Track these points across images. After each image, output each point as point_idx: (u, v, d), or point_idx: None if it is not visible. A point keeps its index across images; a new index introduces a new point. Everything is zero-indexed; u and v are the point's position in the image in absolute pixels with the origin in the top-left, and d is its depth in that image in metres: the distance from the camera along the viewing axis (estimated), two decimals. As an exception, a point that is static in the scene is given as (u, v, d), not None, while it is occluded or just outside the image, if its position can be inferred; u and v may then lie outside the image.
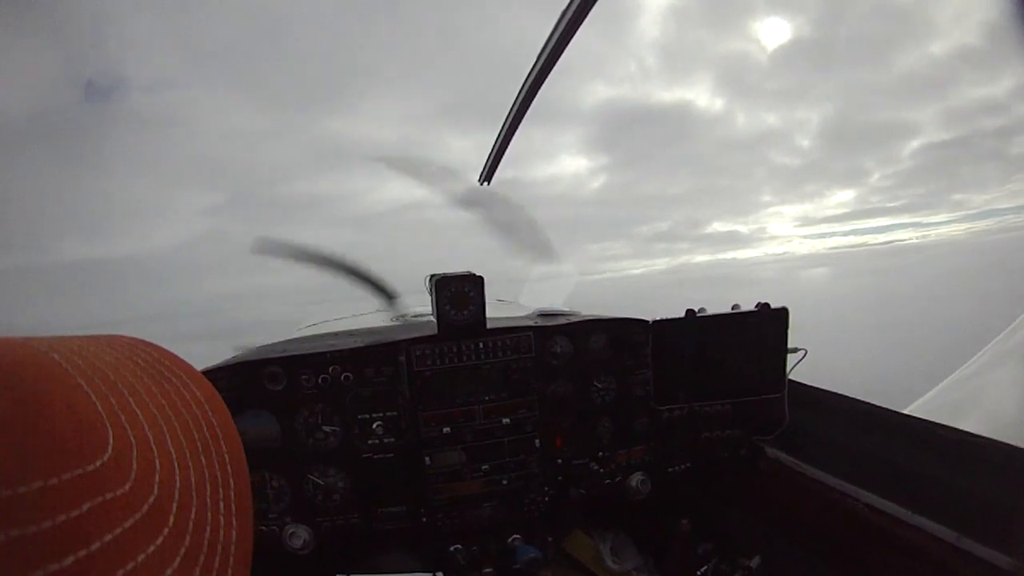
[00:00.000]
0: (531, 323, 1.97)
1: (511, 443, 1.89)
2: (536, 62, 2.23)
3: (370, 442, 1.79)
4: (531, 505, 1.93)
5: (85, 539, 0.28)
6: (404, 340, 1.82)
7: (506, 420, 1.88)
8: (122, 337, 0.43)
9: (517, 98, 2.38)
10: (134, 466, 0.32)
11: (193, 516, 0.35)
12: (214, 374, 1.70)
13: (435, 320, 1.86)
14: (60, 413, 0.30)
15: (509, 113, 2.45)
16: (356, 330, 2.18)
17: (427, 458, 1.83)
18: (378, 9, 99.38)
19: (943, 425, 1.56)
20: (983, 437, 1.43)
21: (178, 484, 0.35)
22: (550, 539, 2.01)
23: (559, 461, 1.95)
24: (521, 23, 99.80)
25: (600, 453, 1.98)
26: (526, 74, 2.32)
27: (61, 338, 0.37)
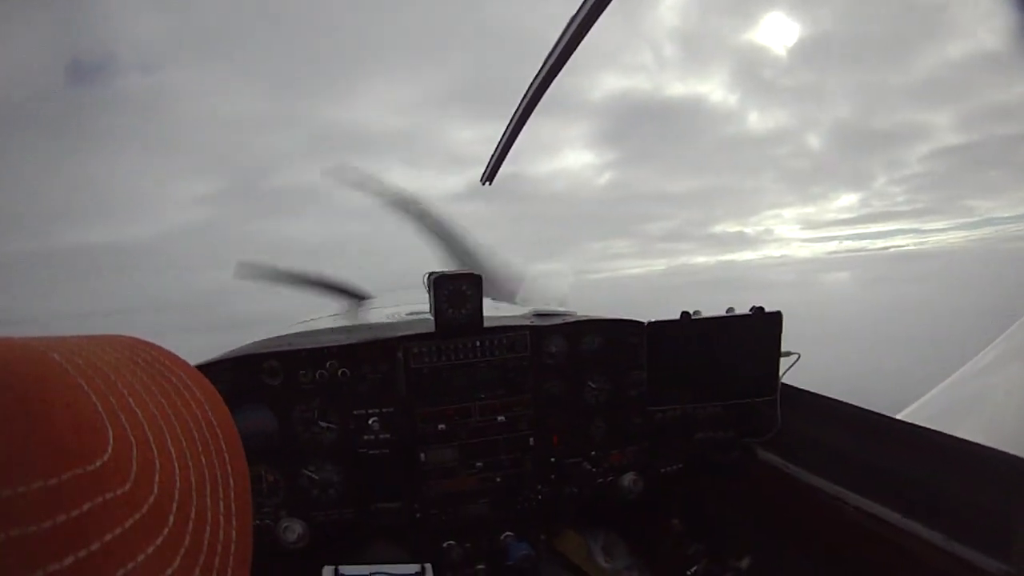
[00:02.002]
0: (527, 322, 1.97)
1: (505, 441, 1.90)
2: (550, 55, 2.10)
3: (366, 437, 1.80)
4: (524, 503, 1.94)
5: (85, 539, 0.28)
6: (401, 337, 1.82)
7: (501, 418, 1.89)
8: (122, 337, 0.43)
9: (527, 93, 2.29)
10: (134, 466, 0.32)
11: (193, 516, 0.35)
12: (212, 367, 1.70)
13: (432, 318, 1.86)
14: (60, 413, 0.30)
15: (517, 108, 2.37)
16: (354, 326, 2.20)
17: (422, 454, 1.84)
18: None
19: (933, 430, 1.58)
20: (973, 443, 1.45)
21: (178, 484, 0.35)
22: (543, 537, 2.02)
23: (552, 460, 1.96)
24: (538, 5, 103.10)
25: (593, 452, 1.99)
26: (538, 67, 2.24)
27: (61, 338, 0.37)
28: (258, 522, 1.72)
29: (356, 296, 3.05)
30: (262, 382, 1.74)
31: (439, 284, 1.83)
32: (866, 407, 1.78)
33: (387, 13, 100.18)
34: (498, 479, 1.90)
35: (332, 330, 2.15)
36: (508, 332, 1.90)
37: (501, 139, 2.59)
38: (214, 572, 0.35)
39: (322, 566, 1.65)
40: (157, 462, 0.34)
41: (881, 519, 1.52)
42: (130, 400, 0.35)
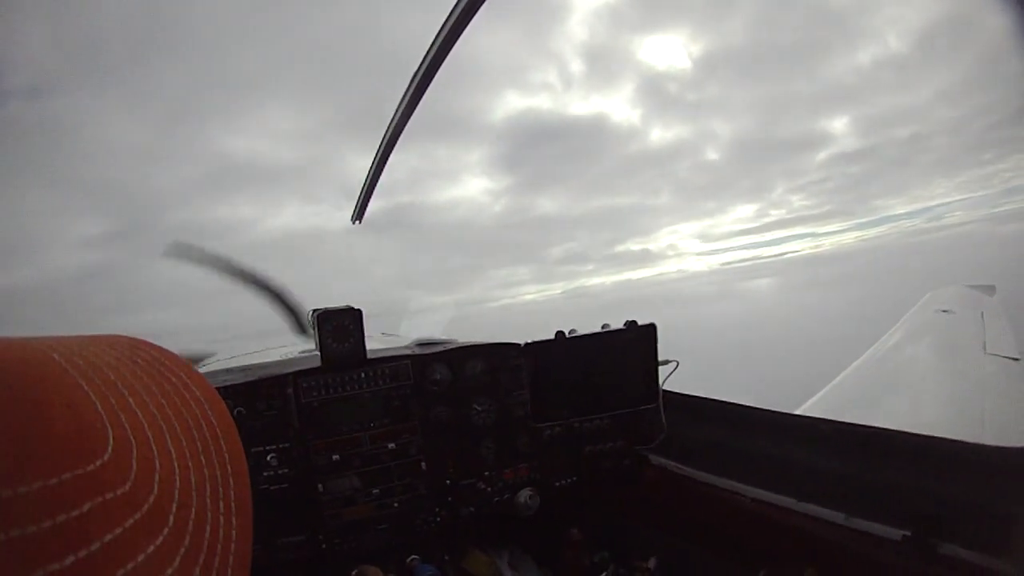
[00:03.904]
0: (409, 352, 2.06)
1: (398, 467, 1.95)
2: (408, 86, 2.11)
3: (265, 474, 1.81)
4: (423, 526, 1.98)
5: (85, 539, 0.28)
6: (291, 373, 1.87)
7: (391, 445, 1.95)
8: (122, 337, 0.42)
9: (390, 123, 2.31)
10: (134, 466, 0.32)
11: (193, 515, 0.35)
12: None
13: (319, 353, 1.92)
14: (60, 413, 0.30)
15: (382, 141, 2.35)
16: (250, 365, 2.19)
17: (320, 485, 1.87)
18: (271, 11, 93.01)
19: (817, 418, 1.73)
20: (857, 425, 1.59)
21: (178, 483, 0.35)
22: (447, 558, 2.05)
23: (447, 482, 2.01)
24: (415, 27, 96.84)
25: (486, 472, 2.06)
26: (397, 100, 2.22)
27: (61, 338, 0.36)
28: None
29: (299, 323, 2.94)
30: None
31: (322, 320, 1.90)
32: (744, 404, 1.93)
33: (282, 39, 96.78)
34: (395, 504, 1.94)
35: (228, 371, 2.15)
36: (391, 362, 1.97)
37: (368, 173, 2.54)
38: (214, 572, 0.35)
39: None
40: (157, 462, 0.34)
41: (778, 505, 1.62)
42: (130, 400, 0.35)
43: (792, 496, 1.61)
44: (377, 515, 1.93)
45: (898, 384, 3.55)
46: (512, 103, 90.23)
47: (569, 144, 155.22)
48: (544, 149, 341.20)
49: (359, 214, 2.85)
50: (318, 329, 1.90)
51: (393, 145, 2.37)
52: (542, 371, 2.04)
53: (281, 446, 1.83)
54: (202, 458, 0.39)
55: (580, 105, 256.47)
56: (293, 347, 2.88)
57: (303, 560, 1.85)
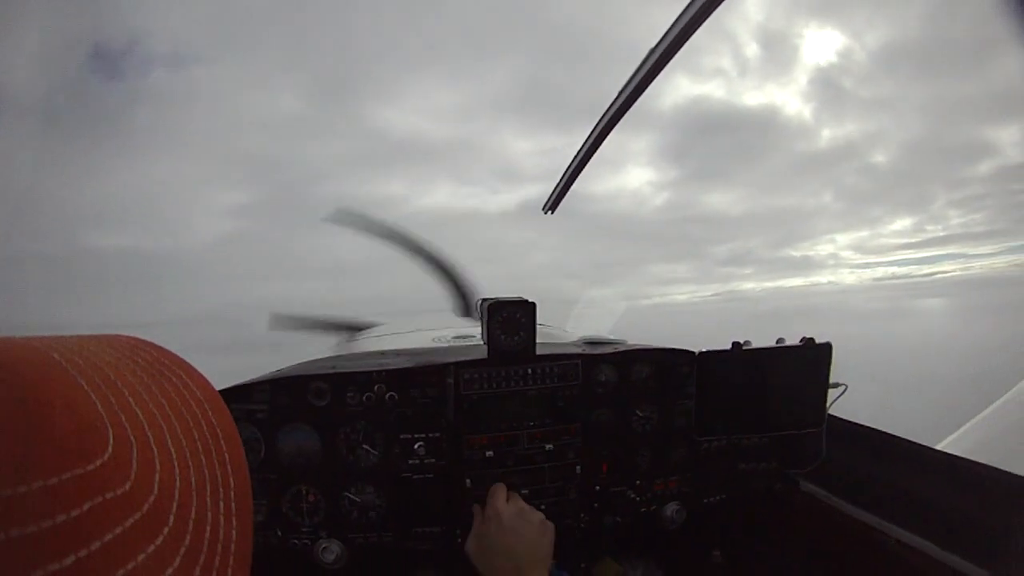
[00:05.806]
0: (579, 351, 1.96)
1: (552, 469, 1.88)
2: (635, 74, 1.95)
3: (411, 462, 1.79)
4: (566, 531, 1.88)
5: (85, 539, 0.28)
6: (453, 363, 1.81)
7: (549, 446, 1.86)
8: (123, 336, 0.42)
9: (604, 116, 2.13)
10: (134, 466, 0.32)
11: (193, 515, 0.35)
12: (258, 386, 1.71)
13: (485, 344, 1.84)
14: (60, 412, 0.30)
15: (591, 134, 2.20)
16: (404, 349, 2.16)
17: (468, 480, 1.82)
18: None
19: (976, 462, 1.58)
20: (1018, 475, 1.44)
21: (178, 483, 0.35)
22: (583, 565, 2.02)
23: (597, 488, 1.93)
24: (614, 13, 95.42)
25: (638, 482, 1.97)
26: (620, 85, 2.05)
27: (61, 337, 0.37)
28: (296, 542, 1.74)
29: (355, 328, 2.98)
30: (308, 403, 1.74)
31: (493, 311, 1.82)
32: (911, 438, 1.78)
33: (442, 8, 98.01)
34: (542, 507, 1.83)
35: (382, 353, 2.13)
36: (560, 360, 1.88)
37: (570, 165, 2.40)
38: (214, 572, 0.35)
39: None
40: (157, 462, 0.34)
41: (920, 551, 1.50)
42: (130, 400, 0.35)
43: (936, 543, 1.48)
44: None
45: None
46: (683, 89, 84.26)
47: (739, 137, 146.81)
48: (713, 141, 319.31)
49: (553, 204, 2.73)
50: (487, 319, 1.82)
51: (604, 136, 2.19)
52: (711, 381, 1.94)
53: (432, 436, 1.80)
54: (202, 458, 0.38)
55: (753, 95, 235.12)
56: (449, 330, 2.83)
57: (436, 552, 1.84)
